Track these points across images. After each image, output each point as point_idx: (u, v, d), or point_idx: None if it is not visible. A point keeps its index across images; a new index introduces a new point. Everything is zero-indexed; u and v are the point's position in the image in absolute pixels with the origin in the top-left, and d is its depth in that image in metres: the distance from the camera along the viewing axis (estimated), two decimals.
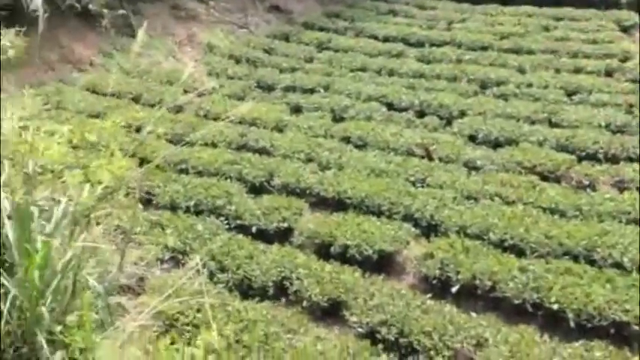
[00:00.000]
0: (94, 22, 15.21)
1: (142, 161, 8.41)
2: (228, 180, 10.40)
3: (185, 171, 10.81)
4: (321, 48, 17.74)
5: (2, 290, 3.69)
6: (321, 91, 14.58)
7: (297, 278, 8.03)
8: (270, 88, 15.04)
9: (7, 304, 3.63)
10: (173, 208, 9.70)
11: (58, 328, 3.84)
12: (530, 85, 14.58)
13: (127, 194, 5.02)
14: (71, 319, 3.99)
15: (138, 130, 11.47)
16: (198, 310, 7.00)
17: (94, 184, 4.52)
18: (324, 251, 8.81)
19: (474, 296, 7.92)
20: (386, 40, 18.17)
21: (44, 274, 3.83)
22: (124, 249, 4.88)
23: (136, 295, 7.62)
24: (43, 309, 3.77)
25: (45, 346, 3.69)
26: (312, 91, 14.64)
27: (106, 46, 15.59)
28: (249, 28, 19.40)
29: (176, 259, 8.60)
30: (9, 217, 4.00)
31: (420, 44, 17.77)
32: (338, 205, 9.91)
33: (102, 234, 5.05)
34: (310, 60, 16.89)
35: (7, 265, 4.05)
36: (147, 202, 9.77)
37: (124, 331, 4.81)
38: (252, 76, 15.55)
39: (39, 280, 3.78)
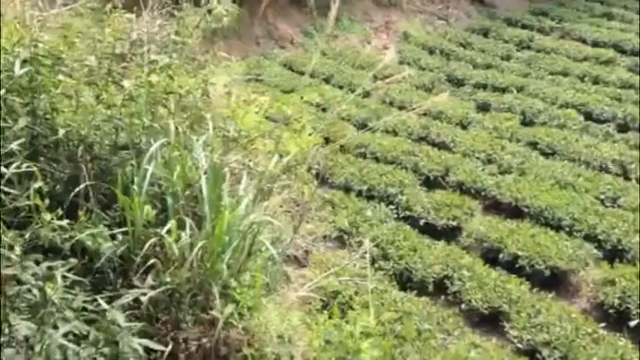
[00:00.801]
0: (300, 3, 15.93)
1: (327, 140, 8.72)
2: (404, 170, 10.43)
3: (363, 155, 11.02)
4: (521, 47, 16.95)
5: (190, 240, 4.06)
6: (514, 91, 13.97)
7: (460, 279, 7.87)
8: (459, 83, 14.73)
9: (194, 252, 3.99)
10: (346, 189, 9.96)
11: (233, 284, 4.14)
12: None
13: (309, 169, 5.23)
14: (245, 278, 4.28)
15: (324, 109, 11.89)
16: (356, 293, 7.15)
17: (282, 154, 4.76)
18: (491, 257, 8.54)
19: None
20: (595, 44, 16.82)
21: (229, 232, 4.14)
22: (299, 222, 5.11)
23: (300, 267, 7.98)
24: (223, 264, 4.09)
25: (218, 298, 4.00)
26: (504, 90, 14.09)
27: (308, 26, 16.29)
28: (449, 20, 19.09)
29: (342, 238, 8.85)
30: (205, 174, 4.37)
31: (634, 53, 16.21)
32: (513, 211, 9.53)
33: (279, 203, 5.32)
34: (507, 58, 16.22)
35: (196, 217, 4.44)
36: (322, 179, 10.12)
37: (287, 299, 5.07)
38: (444, 68, 15.34)
39: (223, 237, 4.10)
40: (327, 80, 14.07)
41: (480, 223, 9.22)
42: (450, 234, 9.14)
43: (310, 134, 4.66)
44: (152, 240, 4.05)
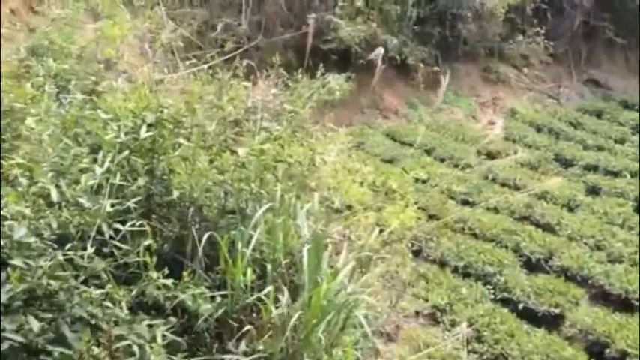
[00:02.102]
0: (407, 75, 16.16)
1: (426, 212, 8.60)
2: (504, 249, 10.05)
3: (461, 230, 10.74)
4: (637, 130, 16.19)
5: (286, 310, 4.06)
6: (627, 176, 13.26)
7: None
8: (568, 164, 14.20)
9: (291, 322, 3.98)
10: (442, 264, 9.72)
11: (325, 358, 4.09)
12: None
13: (409, 244, 5.15)
14: (337, 352, 4.22)
15: (424, 181, 11.79)
16: None
17: (382, 227, 4.74)
18: (596, 351, 7.98)
19: None
20: None
21: (325, 304, 4.11)
22: (397, 300, 5.01)
23: (389, 341, 7.78)
24: (317, 337, 4.05)
25: None
26: (616, 174, 13.43)
27: (413, 98, 16.44)
28: (559, 99, 18.61)
29: (434, 315, 8.58)
30: (306, 243, 4.41)
31: None
32: (623, 304, 8.89)
33: (377, 277, 5.25)
34: (622, 141, 15.51)
35: (293, 285, 4.46)
36: (416, 252, 9.93)
37: None
38: (552, 147, 14.87)
39: (320, 309, 4.08)
40: (428, 152, 14.01)
41: (585, 314, 8.67)
42: (551, 322, 8.64)
43: (414, 210, 4.61)
44: (249, 303, 4.08)
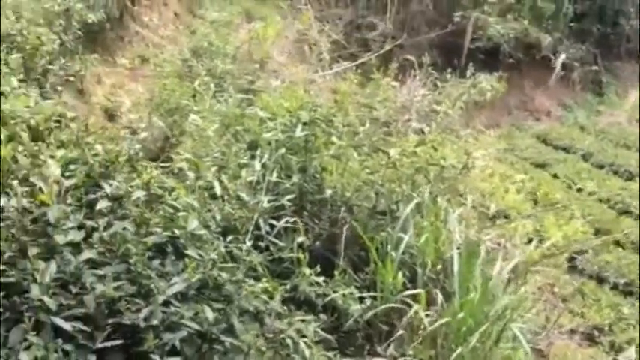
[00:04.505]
0: (561, 75, 15.20)
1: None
2: None
3: (620, 244, 9.86)
4: None
5: (437, 317, 3.91)
6: None
7: None
8: None
9: (442, 330, 3.83)
10: (599, 279, 8.97)
11: None
12: None
13: (571, 259, 4.78)
14: None
15: (579, 189, 10.99)
16: None
17: (542, 238, 4.45)
18: None
19: None
20: None
21: (478, 314, 3.91)
22: (557, 316, 4.67)
23: (540, 357, 7.29)
24: (468, 348, 3.84)
25: None
26: None
27: (567, 99, 15.44)
28: None
29: (591, 335, 7.94)
30: (458, 248, 4.23)
31: None
32: None
33: (533, 290, 4.94)
34: None
35: (444, 291, 4.30)
36: (571, 265, 9.28)
37: None
38: None
39: (473, 319, 3.89)
40: (584, 157, 13.04)
41: None
42: None
43: (580, 223, 4.27)
44: (397, 306, 3.99)
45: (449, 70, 7.68)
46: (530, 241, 4.47)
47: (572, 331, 7.43)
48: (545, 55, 14.23)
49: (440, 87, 7.39)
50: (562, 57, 5.81)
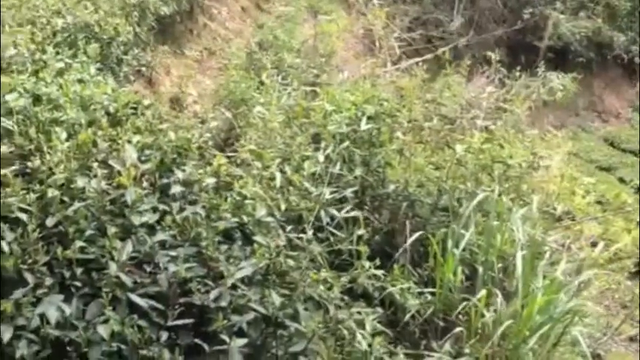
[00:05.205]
0: (634, 76, 14.65)
1: None
2: None
3: None
4: None
5: (497, 316, 3.87)
6: None
7: None
8: None
9: (500, 330, 3.80)
10: None
11: None
12: None
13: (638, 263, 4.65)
14: None
15: None
16: None
17: (608, 242, 4.34)
18: None
19: None
20: None
21: (539, 316, 3.86)
22: (621, 323, 4.56)
23: None
24: (527, 350, 3.80)
25: None
26: None
27: (638, 100, 14.87)
28: None
29: None
30: (521, 249, 4.17)
31: None
32: None
33: (597, 295, 4.83)
34: None
35: (504, 292, 4.25)
36: (634, 272, 8.98)
37: None
38: None
39: (533, 320, 3.84)
40: None
41: None
42: None
43: None
44: (460, 306, 3.98)
45: (518, 67, 7.54)
46: (595, 244, 4.34)
47: (632, 339, 7.21)
48: (618, 54, 13.75)
49: (508, 85, 7.27)
50: None
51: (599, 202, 5.34)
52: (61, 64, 4.37)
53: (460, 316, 4.20)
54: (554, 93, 6.98)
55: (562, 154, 5.65)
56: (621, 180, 11.43)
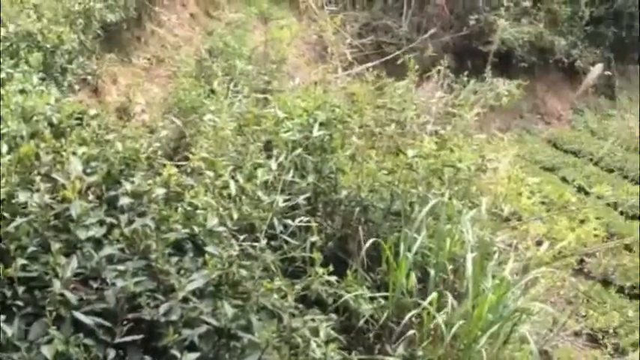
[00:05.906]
0: (574, 78, 15.19)
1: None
2: None
3: (628, 248, 9.86)
4: None
5: (448, 318, 3.94)
6: None
7: None
8: None
9: (452, 331, 3.87)
10: (605, 282, 9.05)
11: None
12: None
13: (581, 261, 4.80)
14: None
15: (587, 192, 11.00)
16: None
17: (553, 241, 4.47)
18: None
19: None
20: None
21: (489, 315, 3.94)
22: (568, 318, 4.69)
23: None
24: (478, 349, 3.87)
25: None
26: None
27: (579, 103, 15.43)
28: None
29: (595, 337, 7.99)
30: (471, 250, 4.25)
31: None
32: None
33: (542, 292, 4.96)
34: None
35: (455, 293, 4.32)
36: (577, 269, 9.30)
37: None
38: None
39: (484, 320, 3.92)
40: (595, 161, 13.06)
41: None
42: None
43: (594, 226, 4.29)
44: (413, 309, 4.02)
45: (465, 73, 7.71)
46: (540, 243, 4.47)
47: (577, 334, 7.47)
48: (559, 59, 14.23)
49: (456, 90, 7.41)
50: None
51: (543, 203, 5.48)
52: (2, 75, 4.24)
53: (413, 319, 4.25)
54: (501, 98, 7.16)
55: (509, 156, 5.78)
56: (564, 179, 11.82)
